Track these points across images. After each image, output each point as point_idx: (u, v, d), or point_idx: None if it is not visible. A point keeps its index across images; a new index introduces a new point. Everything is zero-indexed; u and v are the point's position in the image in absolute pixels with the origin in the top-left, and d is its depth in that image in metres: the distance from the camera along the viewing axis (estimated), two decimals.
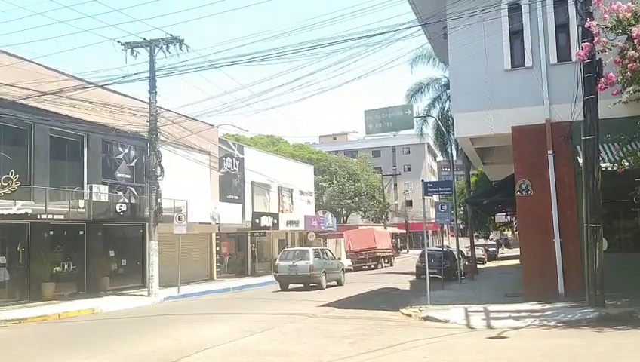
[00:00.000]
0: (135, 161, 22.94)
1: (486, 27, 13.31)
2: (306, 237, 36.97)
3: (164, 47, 19.17)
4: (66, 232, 19.56)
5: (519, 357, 7.98)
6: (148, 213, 19.85)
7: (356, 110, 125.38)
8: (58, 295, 18.32)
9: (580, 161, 11.63)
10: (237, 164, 30.84)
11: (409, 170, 78.13)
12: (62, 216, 17.71)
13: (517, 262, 19.94)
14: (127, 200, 20.87)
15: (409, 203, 72.09)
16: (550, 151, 13.38)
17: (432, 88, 30.23)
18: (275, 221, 30.96)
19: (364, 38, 14.34)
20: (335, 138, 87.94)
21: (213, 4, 21.85)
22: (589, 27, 10.38)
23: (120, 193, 21.45)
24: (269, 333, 10.71)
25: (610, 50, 10.45)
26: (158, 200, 19.79)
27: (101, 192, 19.94)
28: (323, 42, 14.82)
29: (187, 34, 19.37)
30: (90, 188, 19.63)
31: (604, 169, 11.36)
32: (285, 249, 26.04)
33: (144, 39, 19.27)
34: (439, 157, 73.70)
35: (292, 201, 37.85)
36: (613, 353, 7.77)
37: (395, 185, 73.47)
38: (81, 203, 18.49)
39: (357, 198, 59.18)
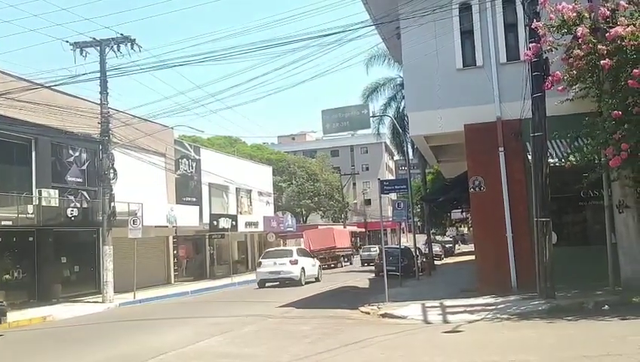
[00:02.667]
0: (87, 164, 22.28)
1: (438, 27, 13.52)
2: (266, 238, 36.77)
3: (115, 46, 18.81)
4: (15, 239, 18.89)
5: (474, 350, 8.13)
6: (101, 218, 19.39)
7: (315, 110, 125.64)
8: (8, 303, 17.55)
9: (530, 157, 11.95)
10: (193, 165, 30.38)
11: (367, 169, 78.65)
12: (10, 223, 17.14)
13: (473, 257, 20.37)
14: (78, 205, 20.31)
15: (368, 202, 72.63)
16: (501, 149, 13.66)
17: (388, 88, 30.52)
18: (234, 223, 30.67)
19: (318, 38, 14.38)
20: (294, 138, 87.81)
21: (164, 2, 21.51)
22: (536, 28, 10.69)
23: (71, 197, 20.79)
24: (227, 336, 10.59)
25: (557, 49, 10.78)
26: (112, 204, 19.36)
27: (51, 197, 19.34)
28: (277, 42, 14.80)
29: (139, 34, 19.03)
30: (40, 192, 18.99)
31: (552, 165, 11.70)
32: (364, 246, 39.89)
33: (94, 39, 18.83)
34: (396, 156, 74.55)
35: (251, 202, 37.56)
36: (564, 343, 7.99)
37: (354, 184, 73.84)
38: (30, 208, 17.92)
39: (316, 198, 59.31)
